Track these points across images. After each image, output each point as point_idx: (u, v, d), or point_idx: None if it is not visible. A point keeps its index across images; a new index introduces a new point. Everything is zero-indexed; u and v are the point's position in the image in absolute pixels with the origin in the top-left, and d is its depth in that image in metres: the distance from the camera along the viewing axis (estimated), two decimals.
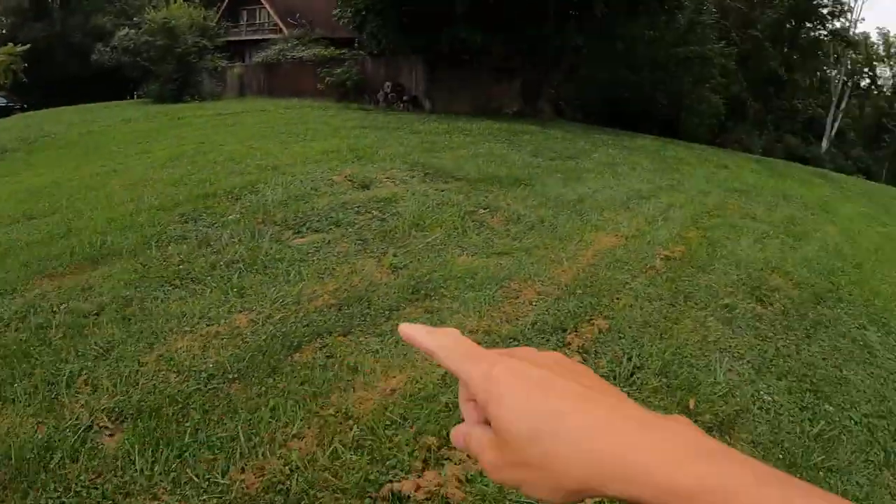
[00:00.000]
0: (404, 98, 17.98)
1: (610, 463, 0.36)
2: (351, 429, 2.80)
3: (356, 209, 5.87)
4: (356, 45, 21.42)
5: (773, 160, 20.29)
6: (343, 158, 7.94)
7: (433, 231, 5.51)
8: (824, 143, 36.34)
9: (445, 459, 2.65)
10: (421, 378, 3.22)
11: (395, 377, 3.24)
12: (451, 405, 2.99)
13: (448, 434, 2.15)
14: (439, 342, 0.49)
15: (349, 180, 6.80)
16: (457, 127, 11.92)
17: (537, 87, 19.16)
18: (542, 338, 3.92)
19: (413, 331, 0.50)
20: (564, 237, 5.79)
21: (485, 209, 6.33)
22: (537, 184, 7.63)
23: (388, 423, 2.86)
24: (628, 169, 9.63)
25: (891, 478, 3.45)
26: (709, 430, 3.32)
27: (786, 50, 33.02)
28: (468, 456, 0.56)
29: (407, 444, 2.71)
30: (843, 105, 40.01)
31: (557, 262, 5.18)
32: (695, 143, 20.02)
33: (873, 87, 48.35)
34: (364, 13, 16.49)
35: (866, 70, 47.36)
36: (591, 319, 4.23)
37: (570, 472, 0.37)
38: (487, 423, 0.43)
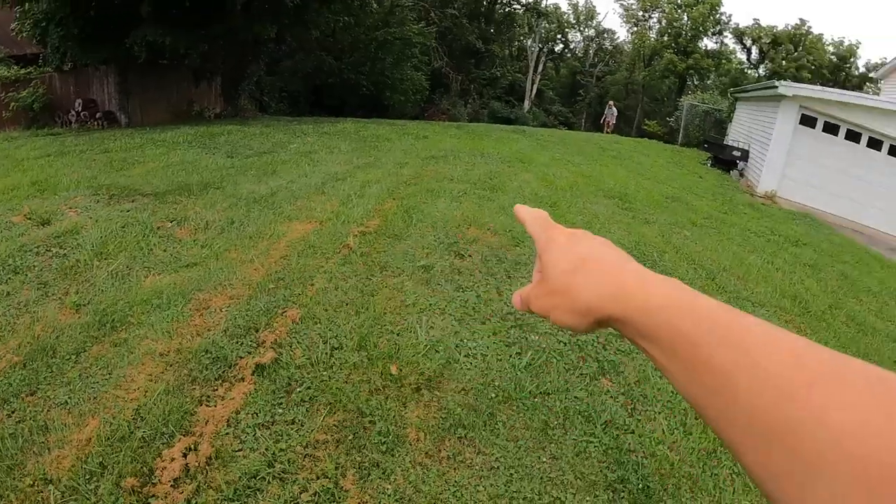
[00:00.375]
0: (97, 115, 16.32)
1: (608, 290, 0.51)
2: (51, 494, 2.57)
3: (35, 250, 5.24)
4: (41, 61, 19.09)
5: (475, 124, 21.98)
6: (24, 195, 7.06)
7: (117, 257, 5.07)
8: (526, 104, 41.11)
9: (151, 497, 2.60)
10: (114, 418, 3.00)
11: (88, 425, 2.98)
12: (146, 438, 2.87)
13: (150, 470, 2.29)
14: (531, 216, 0.67)
15: (28, 218, 6.06)
16: (150, 139, 11.19)
17: (237, 84, 18.66)
18: (235, 342, 3.76)
19: (518, 209, 0.71)
20: (255, 235, 5.62)
21: (172, 222, 5.97)
22: (229, 185, 7.37)
23: (88, 476, 2.67)
24: (325, 154, 9.68)
25: (608, 383, 3.76)
26: (416, 390, 3.37)
27: (483, 25, 35.90)
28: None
29: (111, 494, 2.59)
30: (540, 69, 45.26)
31: (249, 261, 5.03)
32: (402, 119, 20.90)
33: (566, 50, 55.24)
34: (45, 24, 14.47)
35: (559, 36, 53.75)
36: (285, 312, 4.15)
37: (582, 295, 0.53)
38: None
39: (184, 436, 2.90)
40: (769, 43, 46.67)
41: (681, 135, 26.78)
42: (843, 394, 0.35)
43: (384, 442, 2.98)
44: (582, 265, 0.54)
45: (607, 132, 28.45)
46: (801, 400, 0.36)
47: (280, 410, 3.15)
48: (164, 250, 5.31)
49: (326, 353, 3.66)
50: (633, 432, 3.38)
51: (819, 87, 16.34)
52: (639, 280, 0.51)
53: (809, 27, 45.91)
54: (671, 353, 0.45)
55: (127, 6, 13.45)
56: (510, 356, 3.82)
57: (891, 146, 15.05)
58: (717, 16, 48.02)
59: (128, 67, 15.77)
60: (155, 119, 16.03)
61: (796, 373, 0.37)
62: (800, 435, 0.35)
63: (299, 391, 3.31)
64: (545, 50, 49.32)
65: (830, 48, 46.14)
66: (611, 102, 30.68)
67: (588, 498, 2.88)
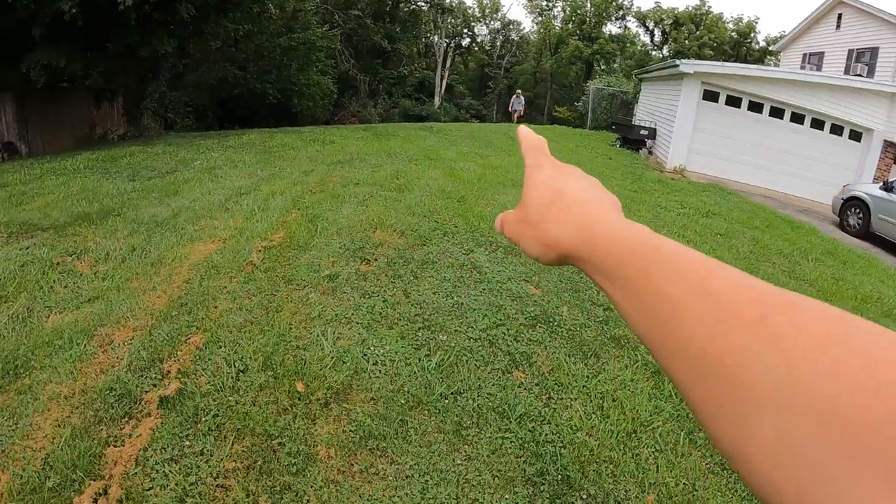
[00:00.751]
0: None
1: (574, 227, 0.53)
2: None
3: None
4: None
5: (384, 125, 21.97)
6: None
7: (17, 299, 4.79)
8: (437, 100, 41.76)
9: None
10: (24, 470, 2.84)
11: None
12: (55, 488, 2.74)
13: None
14: (529, 142, 0.67)
15: None
16: (51, 168, 10.64)
17: (139, 103, 18.04)
18: (140, 376, 3.59)
19: (521, 129, 0.70)
20: (157, 261, 5.41)
21: (72, 255, 5.69)
22: (130, 210, 7.08)
23: None
24: (229, 169, 9.43)
25: (522, 376, 3.75)
26: (325, 405, 3.28)
27: (388, 24, 35.88)
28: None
29: None
30: (448, 64, 45.75)
31: (151, 289, 4.83)
32: (312, 125, 20.65)
33: (473, 44, 55.87)
34: None
35: (465, 31, 54.39)
36: (188, 338, 4.00)
37: (550, 229, 0.55)
38: None
39: (93, 480, 2.78)
40: (671, 24, 48.24)
41: (589, 118, 27.37)
42: (799, 327, 0.33)
43: (294, 463, 2.89)
44: (557, 199, 0.56)
45: (515, 121, 28.71)
46: (752, 329, 0.35)
47: (188, 442, 3.03)
48: (65, 287, 5.07)
49: (232, 377, 3.54)
50: (549, 422, 3.38)
51: (719, 63, 16.93)
52: (603, 220, 0.52)
53: (709, 7, 47.76)
54: (626, 286, 0.46)
55: (20, 30, 12.89)
56: (419, 359, 3.77)
57: (793, 113, 15.71)
58: (620, 1, 49.44)
59: (25, 94, 15.10)
60: (57, 146, 15.34)
61: (749, 303, 0.36)
62: (748, 365, 0.34)
63: (206, 420, 3.19)
64: (452, 45, 49.83)
65: (730, 25, 48.05)
66: (518, 91, 30.89)
67: (507, 496, 2.86)
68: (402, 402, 3.36)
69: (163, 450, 2.97)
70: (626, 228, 0.49)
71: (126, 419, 3.21)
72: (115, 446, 3.01)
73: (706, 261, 0.42)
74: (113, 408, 3.29)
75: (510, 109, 30.04)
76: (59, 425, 3.17)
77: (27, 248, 5.91)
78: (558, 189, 0.57)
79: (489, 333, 4.14)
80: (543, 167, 0.61)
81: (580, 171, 0.61)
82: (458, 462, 2.99)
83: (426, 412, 3.31)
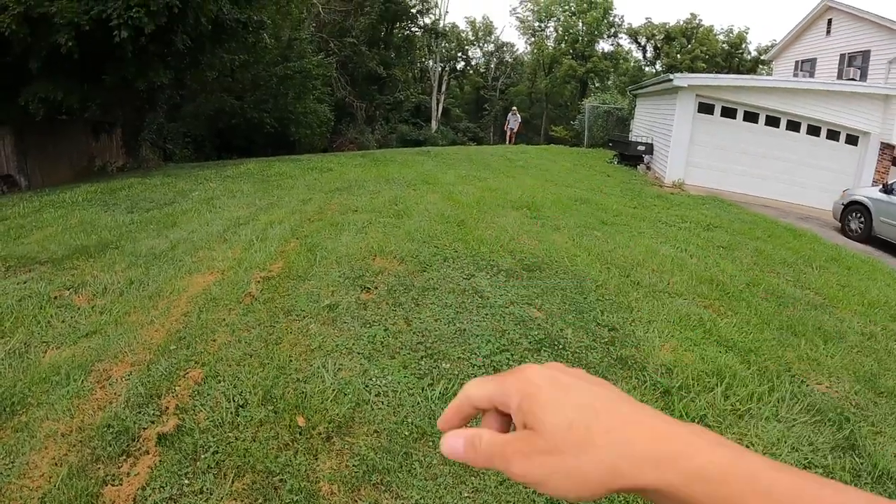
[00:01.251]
0: None
1: (642, 451, 0.42)
2: None
3: None
4: None
5: (382, 150, 22.07)
6: None
7: (14, 333, 4.74)
8: (434, 124, 42.02)
9: None
10: None
11: None
12: None
13: None
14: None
15: None
16: (50, 201, 10.63)
17: (137, 134, 18.15)
18: (138, 412, 3.51)
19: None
20: (155, 294, 5.35)
21: (69, 289, 5.64)
22: (128, 243, 7.04)
23: None
24: (228, 199, 9.42)
25: None
26: (327, 439, 3.19)
27: (383, 50, 36.26)
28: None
29: None
30: (444, 88, 46.22)
31: (149, 323, 4.76)
32: (310, 153, 20.69)
33: (468, 67, 56.32)
34: None
35: (460, 54, 54.83)
36: (187, 373, 3.92)
37: (604, 460, 0.43)
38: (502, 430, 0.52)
39: None
40: (663, 39, 48.62)
41: (586, 136, 27.43)
42: None
43: (296, 500, 2.81)
44: (594, 421, 0.45)
45: (511, 141, 28.66)
46: None
47: (187, 481, 2.94)
48: (63, 321, 5.00)
49: (231, 413, 3.46)
50: None
51: (712, 75, 17.01)
52: (678, 439, 0.43)
53: (700, 20, 48.16)
54: None
55: (17, 63, 13.02)
56: (422, 389, 3.69)
57: (788, 121, 15.72)
58: (611, 18, 50.06)
59: (24, 127, 15.17)
60: (56, 179, 15.37)
61: None
62: None
63: (205, 457, 3.11)
64: (447, 69, 50.21)
65: (721, 37, 48.43)
66: (514, 108, 30.83)
67: None
68: (406, 433, 3.28)
69: (161, 489, 2.89)
70: (713, 451, 0.42)
71: (124, 457, 3.13)
72: (112, 485, 2.94)
73: (819, 491, 0.39)
74: (110, 445, 3.21)
75: (505, 129, 30.01)
76: (57, 464, 3.10)
77: (25, 283, 5.87)
78: (582, 403, 0.46)
79: (493, 360, 4.06)
80: (533, 378, 0.49)
81: (562, 364, 0.52)
82: (466, 495, 2.90)
83: (431, 444, 3.22)
